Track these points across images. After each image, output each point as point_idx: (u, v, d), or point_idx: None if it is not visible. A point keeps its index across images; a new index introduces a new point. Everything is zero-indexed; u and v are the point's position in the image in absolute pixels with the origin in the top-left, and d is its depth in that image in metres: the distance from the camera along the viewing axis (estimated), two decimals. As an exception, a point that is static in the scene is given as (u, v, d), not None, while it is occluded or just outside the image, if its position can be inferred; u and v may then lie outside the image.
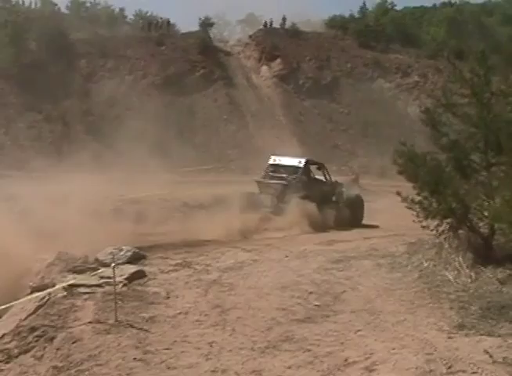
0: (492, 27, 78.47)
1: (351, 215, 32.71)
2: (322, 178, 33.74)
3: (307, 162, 32.83)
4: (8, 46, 61.85)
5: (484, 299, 15.92)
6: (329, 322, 15.18)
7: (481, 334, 13.64)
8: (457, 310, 15.46)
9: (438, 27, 79.07)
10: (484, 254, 18.65)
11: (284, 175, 31.54)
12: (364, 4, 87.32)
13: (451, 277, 17.85)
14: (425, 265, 19.17)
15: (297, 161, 32.55)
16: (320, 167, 33.98)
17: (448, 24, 77.29)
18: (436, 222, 19.02)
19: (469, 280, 17.47)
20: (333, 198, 33.72)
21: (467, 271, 17.91)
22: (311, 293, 17.36)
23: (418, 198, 18.88)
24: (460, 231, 19.31)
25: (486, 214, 17.97)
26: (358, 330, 14.49)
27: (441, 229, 19.18)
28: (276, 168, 32.50)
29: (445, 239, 19.51)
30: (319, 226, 29.39)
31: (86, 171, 43.30)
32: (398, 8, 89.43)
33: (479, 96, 18.91)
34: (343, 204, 33.31)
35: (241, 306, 16.37)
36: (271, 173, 32.40)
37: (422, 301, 16.41)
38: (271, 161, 33.13)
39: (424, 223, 18.94)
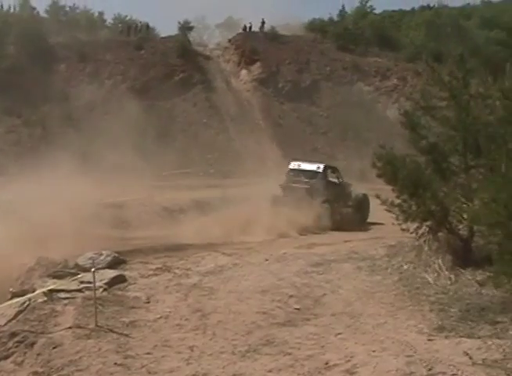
0: (471, 30, 78.74)
1: (359, 214, 34.98)
2: (335, 180, 36.09)
3: (325, 167, 35.37)
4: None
5: (464, 301, 16.00)
6: (310, 325, 15.21)
7: (461, 336, 13.70)
8: (437, 312, 15.53)
9: (417, 31, 79.34)
10: (464, 256, 18.75)
11: (306, 180, 33.86)
12: (343, 7, 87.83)
13: (431, 279, 17.93)
14: (405, 267, 19.25)
15: (316, 166, 34.91)
16: (334, 170, 36.75)
17: (427, 27, 77.49)
18: (415, 225, 19.10)
19: (448, 282, 17.56)
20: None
21: (447, 273, 18.01)
22: (291, 296, 17.39)
23: (397, 201, 18.96)
24: (440, 233, 19.40)
25: (465, 216, 18.08)
26: (339, 334, 14.52)
27: (420, 231, 19.27)
28: (297, 172, 34.62)
29: (424, 241, 19.59)
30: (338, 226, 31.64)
31: (65, 175, 43.08)
32: (376, 11, 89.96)
33: (458, 99, 19.02)
34: (352, 203, 35.58)
35: (221, 310, 16.38)
36: (293, 177, 34.26)
37: (402, 304, 16.47)
38: (291, 166, 35.34)
39: (404, 226, 19.01)
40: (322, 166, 35.06)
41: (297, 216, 29.60)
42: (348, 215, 33.58)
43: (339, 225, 31.49)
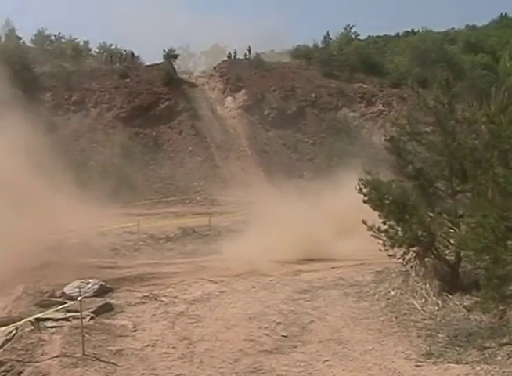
0: (455, 55, 79.14)
1: None
2: None
3: None
4: (-29, 80, 61.61)
5: (452, 327, 15.99)
6: (297, 352, 15.17)
7: (449, 362, 13.68)
8: (425, 338, 15.52)
9: (402, 56, 79.57)
10: (451, 281, 18.77)
11: None
12: (327, 34, 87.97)
13: (418, 305, 17.93)
14: (392, 293, 19.24)
15: None
16: None
17: (412, 53, 77.80)
18: (402, 251, 19.09)
19: (436, 308, 17.55)
20: None
21: (434, 299, 18.01)
22: (278, 323, 17.35)
23: (384, 227, 18.95)
24: (427, 259, 19.44)
25: (452, 241, 18.09)
26: (326, 360, 14.49)
27: (407, 257, 19.28)
28: None
29: (411, 267, 19.61)
30: None
31: (51, 205, 42.96)
32: (361, 37, 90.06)
33: (443, 124, 19.11)
34: None
35: (208, 338, 16.32)
36: None
37: (389, 330, 16.45)
38: None
39: (391, 252, 18.99)
40: None
41: None
42: None
43: None
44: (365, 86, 75.31)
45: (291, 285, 21.64)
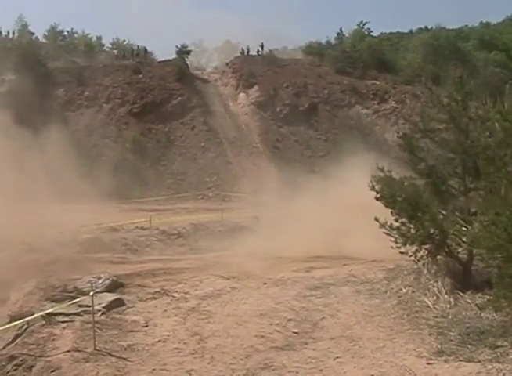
0: (469, 52, 78.83)
1: None
2: None
3: None
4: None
5: (464, 325, 15.92)
6: (308, 349, 15.14)
7: (461, 360, 13.62)
8: (436, 336, 15.45)
9: (415, 53, 79.17)
10: (463, 279, 18.69)
11: None
12: (340, 30, 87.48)
13: (430, 303, 17.86)
14: (404, 291, 19.17)
15: None
16: None
17: (425, 50, 77.45)
18: (414, 248, 19.01)
19: (448, 306, 17.48)
20: None
21: (446, 297, 17.93)
22: (289, 320, 17.32)
23: (396, 224, 18.89)
24: (439, 257, 19.34)
25: (464, 239, 18.02)
26: (337, 357, 14.45)
27: (419, 254, 19.18)
28: None
29: (423, 265, 19.53)
30: None
31: (63, 200, 43.05)
32: (374, 34, 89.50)
33: (457, 122, 19.02)
34: None
35: (220, 334, 16.30)
36: None
37: (401, 328, 16.40)
38: None
39: (403, 249, 18.92)
40: None
41: None
42: None
43: None
44: (377, 83, 75.14)
45: (302, 282, 21.59)
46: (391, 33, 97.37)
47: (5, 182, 41.22)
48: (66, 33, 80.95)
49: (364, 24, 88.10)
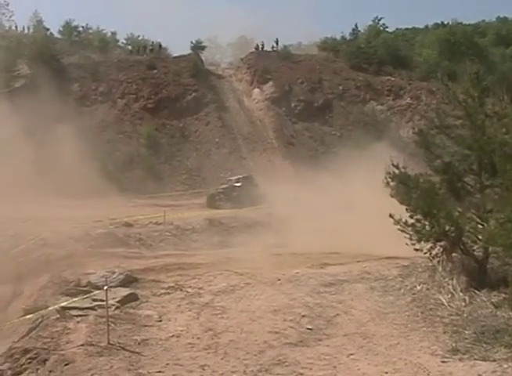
0: (486, 47, 78.29)
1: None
2: None
3: None
4: (0, 71, 61.76)
5: (479, 323, 15.82)
6: (322, 345, 15.11)
7: (476, 359, 13.55)
8: (451, 334, 15.38)
9: (431, 49, 78.65)
10: (479, 277, 18.57)
11: None
12: (356, 26, 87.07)
13: (444, 301, 17.76)
14: (418, 288, 19.08)
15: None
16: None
17: (441, 45, 76.98)
18: (429, 245, 18.91)
19: (463, 304, 17.37)
20: None
21: (461, 294, 17.83)
22: (303, 316, 17.28)
23: (411, 221, 18.79)
24: (454, 254, 19.22)
25: (480, 237, 17.89)
26: (351, 354, 14.42)
27: (434, 252, 19.08)
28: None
29: (438, 262, 19.42)
30: None
31: (78, 195, 43.22)
32: (389, 29, 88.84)
33: (473, 118, 18.88)
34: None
35: (233, 329, 16.29)
36: None
37: (415, 325, 16.33)
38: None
39: (417, 246, 18.82)
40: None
41: None
42: None
43: None
44: (393, 79, 74.95)
45: (316, 278, 21.52)
46: (406, 28, 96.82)
47: (20, 177, 41.45)
48: (80, 28, 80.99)
49: (379, 20, 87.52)
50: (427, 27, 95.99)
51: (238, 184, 48.48)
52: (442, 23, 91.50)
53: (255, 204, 42.00)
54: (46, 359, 14.43)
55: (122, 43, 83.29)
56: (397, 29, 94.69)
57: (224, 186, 49.30)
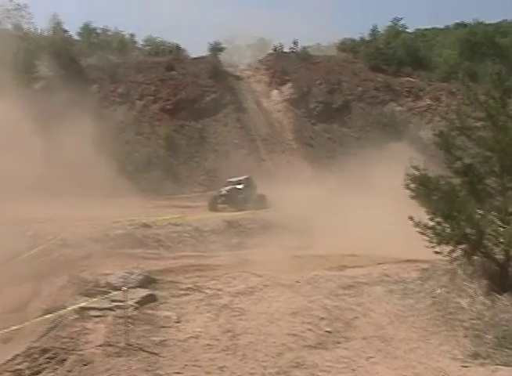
0: (507, 47, 77.74)
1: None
2: None
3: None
4: (20, 73, 62.09)
5: (500, 328, 15.69)
6: (341, 348, 15.04)
7: (497, 364, 13.46)
8: (472, 338, 15.27)
9: (451, 49, 78.24)
10: (500, 281, 18.42)
11: None
12: (375, 26, 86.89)
13: (465, 304, 17.62)
14: (438, 291, 18.95)
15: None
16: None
17: (461, 46, 76.60)
18: (449, 248, 18.78)
19: (484, 308, 17.23)
20: None
21: (482, 298, 17.68)
22: (322, 319, 17.21)
23: (431, 223, 18.68)
24: (475, 257, 19.08)
25: (502, 239, 17.76)
26: (370, 357, 14.34)
27: (454, 255, 18.95)
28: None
29: (458, 265, 19.28)
30: None
31: (97, 196, 43.32)
32: (409, 30, 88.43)
33: (495, 119, 18.74)
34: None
35: (252, 331, 16.25)
36: None
37: (435, 329, 16.23)
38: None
39: (437, 249, 18.70)
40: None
41: None
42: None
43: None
44: (412, 80, 74.79)
45: (335, 280, 21.43)
46: (426, 29, 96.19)
47: (39, 177, 41.59)
48: (99, 30, 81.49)
49: (398, 20, 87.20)
50: (447, 27, 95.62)
51: (240, 186, 47.46)
52: (463, 23, 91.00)
53: (259, 207, 41.87)
54: (65, 359, 14.46)
55: (141, 45, 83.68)
56: (416, 29, 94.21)
57: (226, 189, 47.59)
